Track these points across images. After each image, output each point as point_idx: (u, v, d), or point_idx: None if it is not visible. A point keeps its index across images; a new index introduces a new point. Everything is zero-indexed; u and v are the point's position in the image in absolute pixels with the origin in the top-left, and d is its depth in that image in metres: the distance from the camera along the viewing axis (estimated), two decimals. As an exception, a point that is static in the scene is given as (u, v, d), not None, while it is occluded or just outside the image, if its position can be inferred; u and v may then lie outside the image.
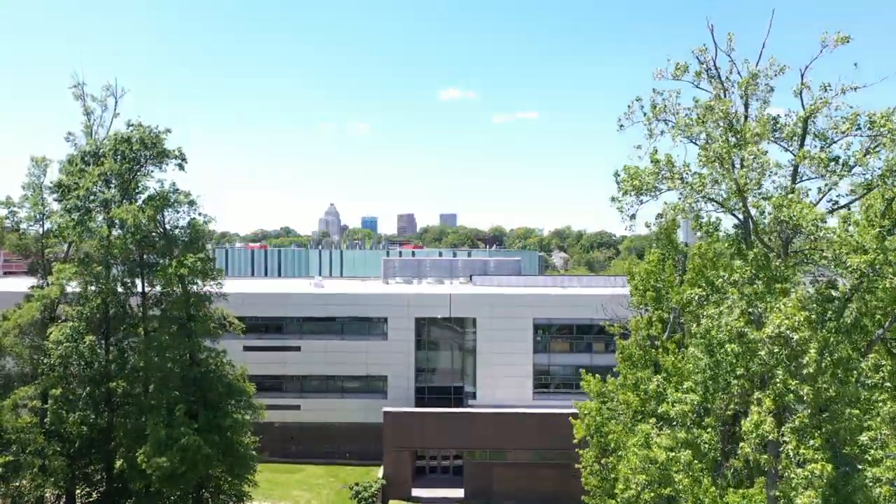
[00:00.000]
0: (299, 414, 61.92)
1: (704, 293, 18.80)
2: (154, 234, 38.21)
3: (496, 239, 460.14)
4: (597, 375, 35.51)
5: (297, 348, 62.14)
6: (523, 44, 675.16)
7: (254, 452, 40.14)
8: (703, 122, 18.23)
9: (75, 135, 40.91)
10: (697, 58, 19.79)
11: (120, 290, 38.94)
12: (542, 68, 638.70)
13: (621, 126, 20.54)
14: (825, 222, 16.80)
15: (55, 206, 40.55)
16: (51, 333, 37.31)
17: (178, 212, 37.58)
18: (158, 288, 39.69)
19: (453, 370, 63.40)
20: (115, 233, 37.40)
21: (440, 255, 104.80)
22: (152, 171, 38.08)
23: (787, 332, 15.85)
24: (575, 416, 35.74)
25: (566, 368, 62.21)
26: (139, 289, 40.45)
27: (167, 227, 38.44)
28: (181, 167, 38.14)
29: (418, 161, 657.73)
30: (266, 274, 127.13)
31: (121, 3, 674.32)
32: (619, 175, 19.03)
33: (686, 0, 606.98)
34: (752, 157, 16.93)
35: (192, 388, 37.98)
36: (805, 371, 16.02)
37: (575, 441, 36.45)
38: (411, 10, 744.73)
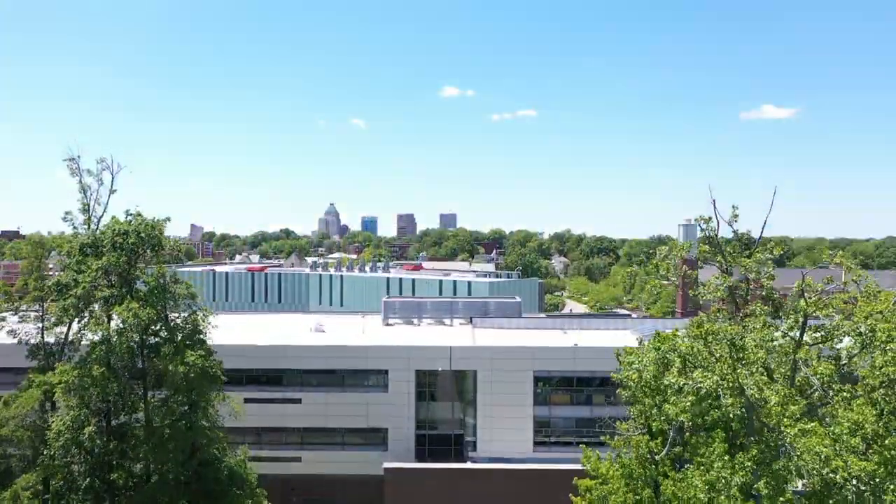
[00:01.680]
0: (300, 466, 62.11)
1: (706, 499, 18.85)
2: (157, 322, 38.19)
3: (496, 243, 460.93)
4: (597, 451, 35.59)
5: (298, 400, 62.29)
6: (522, 41, 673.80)
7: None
8: (705, 338, 18.32)
9: (73, 214, 40.93)
10: (700, 226, 19.90)
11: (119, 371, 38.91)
12: (541, 67, 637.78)
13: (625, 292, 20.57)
14: (828, 462, 16.74)
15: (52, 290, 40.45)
16: (52, 423, 37.33)
17: (178, 305, 37.58)
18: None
19: (454, 421, 63.53)
20: (114, 324, 37.37)
21: (440, 289, 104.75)
22: (152, 261, 38.06)
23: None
24: (576, 490, 35.85)
25: (567, 421, 62.49)
26: (140, 365, 40.46)
27: (168, 315, 38.45)
28: (178, 259, 38.17)
29: (418, 160, 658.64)
30: (266, 299, 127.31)
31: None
32: (619, 355, 19.10)
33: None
34: (754, 384, 16.99)
35: (194, 476, 38.04)
36: None
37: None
38: (409, 9, 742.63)
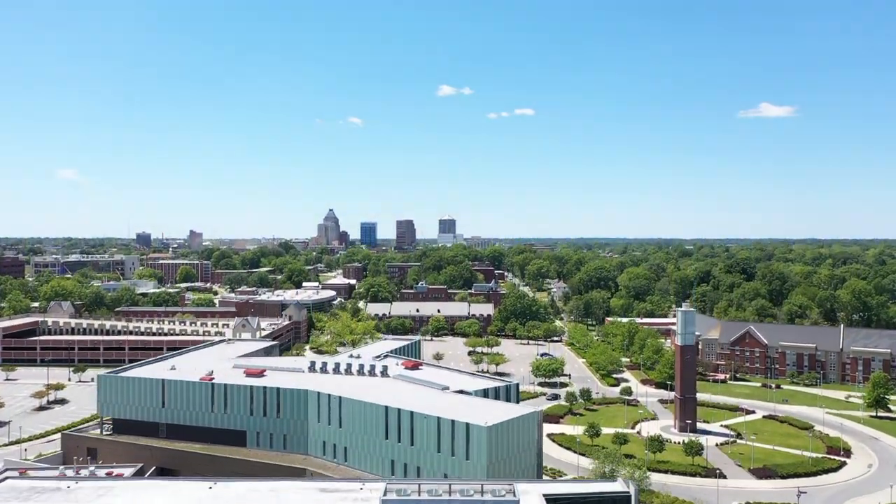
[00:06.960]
0: None
1: None
2: None
3: (495, 262, 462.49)
4: None
5: None
6: (520, 40, 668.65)
7: None
8: None
9: None
10: None
11: None
12: (539, 66, 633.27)
13: None
14: None
15: None
16: None
17: None
18: None
19: None
20: None
21: (438, 428, 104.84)
22: None
23: None
24: None
25: None
26: None
27: None
28: None
29: (415, 161, 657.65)
30: (265, 413, 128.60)
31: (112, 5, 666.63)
32: None
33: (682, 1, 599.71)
34: None
35: None
36: None
37: None
38: (408, 9, 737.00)
